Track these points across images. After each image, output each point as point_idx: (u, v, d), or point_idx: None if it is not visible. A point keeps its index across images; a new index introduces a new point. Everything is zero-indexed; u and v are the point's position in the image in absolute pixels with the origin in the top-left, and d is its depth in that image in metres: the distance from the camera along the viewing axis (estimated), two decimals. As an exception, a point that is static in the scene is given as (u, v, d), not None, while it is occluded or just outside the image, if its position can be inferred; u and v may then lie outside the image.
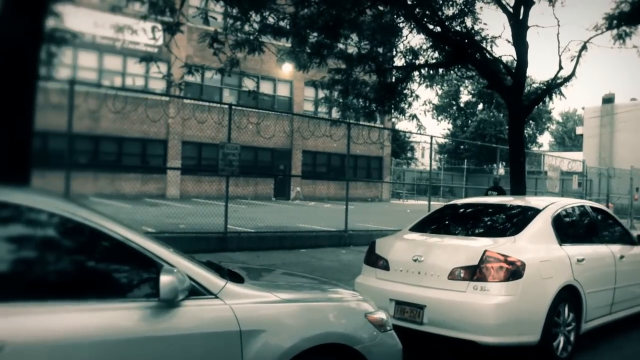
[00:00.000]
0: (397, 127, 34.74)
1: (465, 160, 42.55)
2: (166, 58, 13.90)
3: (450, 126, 54.97)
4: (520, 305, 5.13)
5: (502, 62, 11.22)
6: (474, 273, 5.21)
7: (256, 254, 12.06)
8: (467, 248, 5.58)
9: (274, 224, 16.12)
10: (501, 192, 14.31)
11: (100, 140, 27.19)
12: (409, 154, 53.88)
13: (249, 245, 12.71)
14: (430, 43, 12.50)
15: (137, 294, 2.87)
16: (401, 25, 12.56)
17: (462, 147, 47.61)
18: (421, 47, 12.94)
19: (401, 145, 50.98)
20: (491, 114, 48.10)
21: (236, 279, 3.44)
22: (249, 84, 11.24)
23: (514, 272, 5.15)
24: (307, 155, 35.16)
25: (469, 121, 51.25)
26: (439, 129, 72.04)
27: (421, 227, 6.59)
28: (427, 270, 5.51)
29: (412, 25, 12.13)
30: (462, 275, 5.27)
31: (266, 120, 28.74)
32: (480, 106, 52.49)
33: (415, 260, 5.61)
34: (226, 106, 24.03)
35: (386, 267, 5.91)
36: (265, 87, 34.23)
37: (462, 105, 54.33)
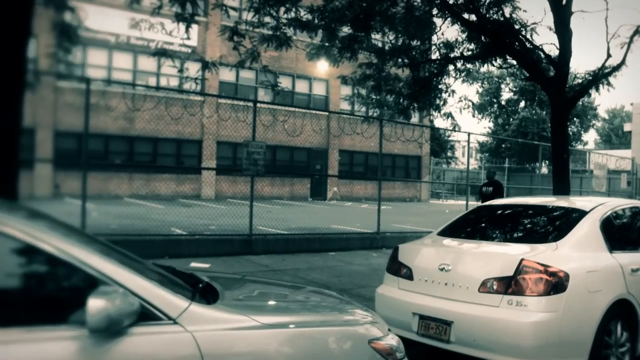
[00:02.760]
0: (435, 125, 33.69)
1: (507, 159, 41.26)
2: (202, 58, 13.59)
3: (491, 124, 53.56)
4: (564, 323, 4.41)
5: (543, 51, 10.38)
6: (509, 285, 4.52)
7: (282, 257, 11.53)
8: (501, 256, 4.89)
9: (307, 225, 15.59)
10: (497, 188, 13.02)
11: (135, 141, 27.27)
12: (449, 153, 52.69)
13: (275, 248, 12.18)
14: (466, 34, 11.78)
15: (71, 320, 2.29)
16: (435, 15, 11.88)
17: (503, 145, 46.22)
18: (456, 39, 12.26)
19: (441, 144, 49.89)
20: (533, 111, 46.55)
21: (211, 296, 2.86)
22: (270, 80, 10.76)
23: (556, 284, 4.44)
24: (344, 155, 34.71)
25: (511, 119, 49.78)
26: (480, 127, 70.32)
27: (451, 231, 5.91)
28: (455, 280, 4.84)
29: (446, 15, 11.43)
30: (495, 287, 4.59)
31: (301, 119, 28.35)
32: (522, 104, 50.95)
33: (442, 270, 4.95)
34: (262, 105, 23.81)
35: (410, 276, 5.26)
36: (301, 86, 33.93)
37: (503, 103, 52.87)
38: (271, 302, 3.35)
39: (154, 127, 24.62)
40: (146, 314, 2.37)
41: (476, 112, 52.54)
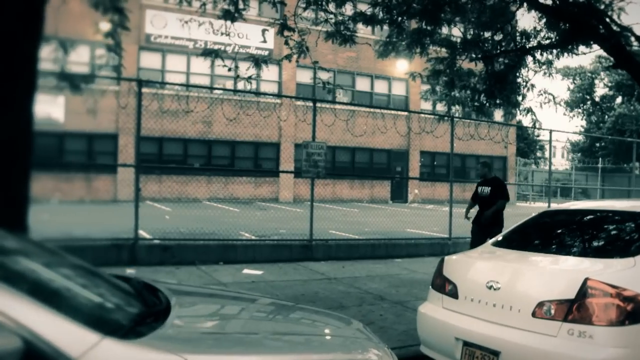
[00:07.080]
0: (518, 124, 31.82)
1: (600, 158, 38.54)
2: (252, 55, 13.31)
3: (583, 123, 50.37)
4: (642, 361, 3.51)
5: (632, 32, 9.13)
6: (570, 310, 3.66)
7: (342, 264, 10.89)
8: (562, 273, 4.01)
9: (382, 228, 14.84)
10: (498, 188, 9.39)
11: (213, 144, 27.53)
12: (538, 154, 50.00)
13: (336, 254, 11.56)
14: (544, 21, 10.70)
15: None
16: (509, 2, 10.88)
17: (597, 144, 43.26)
18: (534, 28, 11.20)
19: (529, 145, 47.46)
20: (631, 107, 43.27)
21: (158, 320, 2.26)
22: (322, 76, 10.25)
23: (633, 312, 3.52)
24: (426, 156, 33.71)
25: (606, 116, 46.54)
26: (571, 126, 66.48)
27: (509, 240, 5.06)
28: (504, 301, 4.02)
29: (521, 2, 10.42)
30: (552, 312, 3.73)
31: (381, 120, 27.68)
32: (619, 99, 47.52)
33: (489, 288, 4.14)
34: (339, 106, 23.30)
35: (454, 294, 4.49)
36: (380, 86, 33.27)
37: (597, 99, 49.57)
38: (236, 335, 2.64)
39: (231, 131, 24.70)
40: (35, 354, 1.81)
41: (567, 109, 49.67)
